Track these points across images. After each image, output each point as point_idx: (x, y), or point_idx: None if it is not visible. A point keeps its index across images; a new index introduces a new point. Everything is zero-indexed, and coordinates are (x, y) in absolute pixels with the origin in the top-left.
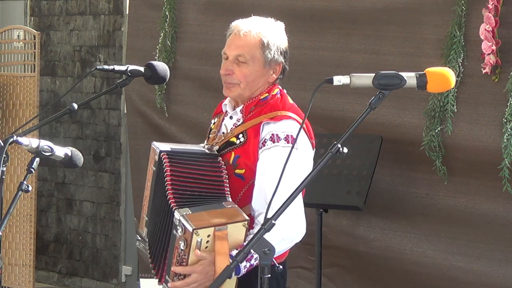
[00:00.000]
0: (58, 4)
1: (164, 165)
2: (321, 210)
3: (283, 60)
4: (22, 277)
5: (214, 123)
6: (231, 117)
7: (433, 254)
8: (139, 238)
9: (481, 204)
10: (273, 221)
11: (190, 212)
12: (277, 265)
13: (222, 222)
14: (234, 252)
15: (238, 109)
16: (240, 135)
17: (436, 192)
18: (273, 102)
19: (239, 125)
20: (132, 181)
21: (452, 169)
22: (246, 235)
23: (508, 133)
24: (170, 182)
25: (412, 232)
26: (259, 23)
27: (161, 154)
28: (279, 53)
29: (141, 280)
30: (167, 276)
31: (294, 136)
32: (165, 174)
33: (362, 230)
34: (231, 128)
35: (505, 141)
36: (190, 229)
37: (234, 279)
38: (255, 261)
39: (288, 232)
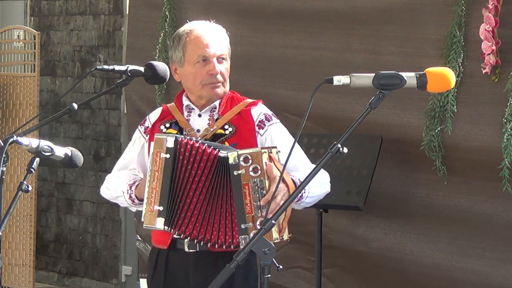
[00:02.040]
0: (58, 4)
1: (190, 142)
2: (321, 210)
3: None
4: (22, 277)
5: (167, 127)
6: (199, 115)
7: (433, 254)
8: (139, 238)
9: (481, 204)
10: (273, 221)
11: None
12: (277, 265)
13: (269, 146)
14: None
15: (216, 103)
16: (226, 126)
17: (436, 192)
18: (233, 95)
19: (219, 118)
20: None
21: (452, 169)
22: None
23: (508, 133)
24: (206, 145)
25: (412, 232)
26: (211, 24)
27: (180, 139)
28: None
29: (141, 280)
30: (242, 225)
31: (273, 115)
32: (196, 144)
33: (362, 230)
34: (209, 123)
35: (505, 141)
36: (258, 149)
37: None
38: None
39: (323, 176)
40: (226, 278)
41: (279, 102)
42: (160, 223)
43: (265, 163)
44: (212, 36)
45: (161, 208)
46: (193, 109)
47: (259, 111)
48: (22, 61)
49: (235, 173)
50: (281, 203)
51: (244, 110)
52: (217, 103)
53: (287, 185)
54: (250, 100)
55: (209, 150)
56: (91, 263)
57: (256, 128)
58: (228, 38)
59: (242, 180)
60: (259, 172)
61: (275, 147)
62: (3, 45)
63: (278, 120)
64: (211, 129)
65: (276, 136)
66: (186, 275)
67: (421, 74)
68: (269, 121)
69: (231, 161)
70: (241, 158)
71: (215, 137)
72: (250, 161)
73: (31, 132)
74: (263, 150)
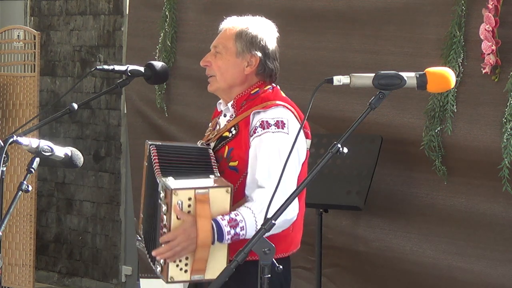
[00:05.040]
0: (58, 4)
1: (152, 153)
2: (321, 210)
3: (259, 54)
4: (22, 277)
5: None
6: (224, 115)
7: (433, 254)
8: (139, 238)
9: (481, 204)
10: (273, 221)
11: (173, 179)
12: (277, 265)
13: (203, 186)
14: (219, 218)
15: (229, 104)
16: (232, 129)
17: (436, 192)
18: (264, 95)
19: (232, 119)
20: (132, 181)
21: (452, 169)
22: (231, 203)
23: (508, 133)
24: (157, 157)
25: (412, 232)
26: (242, 19)
27: (150, 147)
28: (254, 45)
29: (141, 280)
30: (152, 252)
31: (285, 121)
32: (152, 157)
33: (362, 230)
34: (225, 124)
35: (505, 141)
36: (170, 188)
37: (224, 247)
38: (241, 231)
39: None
40: (226, 278)
41: None
42: (142, 231)
43: (179, 203)
44: (222, 29)
45: (142, 215)
46: (221, 108)
47: (261, 116)
48: (22, 61)
49: (159, 201)
50: (177, 248)
51: (251, 113)
52: (229, 104)
53: (196, 232)
54: (271, 102)
55: (156, 160)
56: (91, 263)
57: (251, 133)
58: (245, 37)
59: (160, 211)
60: (167, 210)
61: (227, 187)
62: (3, 45)
63: (279, 130)
64: (216, 133)
65: (259, 147)
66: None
67: (421, 74)
68: (263, 128)
69: (159, 189)
70: (162, 189)
71: (221, 140)
72: (165, 196)
73: (31, 132)
74: (176, 192)
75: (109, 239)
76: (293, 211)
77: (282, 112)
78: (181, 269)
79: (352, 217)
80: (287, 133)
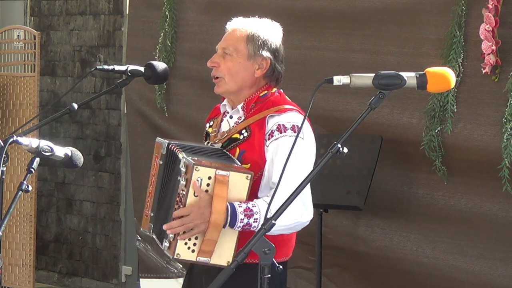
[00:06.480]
0: (58, 4)
1: (175, 150)
2: (321, 210)
3: (270, 56)
4: (22, 277)
5: (210, 126)
6: (231, 117)
7: (433, 254)
8: (139, 238)
9: (481, 204)
10: (273, 221)
11: (196, 158)
12: (277, 265)
13: (225, 168)
14: (237, 204)
15: (239, 106)
16: (243, 131)
17: (436, 192)
18: (274, 99)
19: (241, 121)
20: (132, 181)
21: (452, 169)
22: (248, 191)
23: (508, 133)
24: (178, 147)
25: (412, 232)
26: (251, 20)
27: (170, 146)
28: (265, 48)
29: (141, 280)
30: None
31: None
32: (176, 152)
33: (362, 230)
34: (233, 126)
35: (505, 141)
36: (191, 164)
37: (235, 234)
38: (254, 223)
39: (295, 213)
40: (227, 277)
41: None
42: (151, 229)
43: (198, 180)
44: (229, 30)
45: (152, 214)
46: (227, 110)
47: (277, 120)
48: (22, 61)
49: (178, 177)
50: (189, 224)
51: (265, 117)
52: (239, 106)
53: (210, 211)
54: (284, 107)
55: (180, 157)
56: (91, 263)
57: (266, 137)
58: (257, 39)
59: (178, 188)
60: (186, 184)
61: (248, 174)
62: (3, 45)
63: (295, 134)
64: (226, 134)
65: (278, 150)
66: (200, 279)
67: (421, 74)
68: (280, 132)
69: (180, 166)
70: (183, 164)
71: (230, 141)
72: (186, 170)
73: (31, 132)
74: (198, 167)
75: (109, 239)
76: (308, 215)
77: (297, 117)
78: (188, 247)
79: (352, 217)
80: (302, 138)
